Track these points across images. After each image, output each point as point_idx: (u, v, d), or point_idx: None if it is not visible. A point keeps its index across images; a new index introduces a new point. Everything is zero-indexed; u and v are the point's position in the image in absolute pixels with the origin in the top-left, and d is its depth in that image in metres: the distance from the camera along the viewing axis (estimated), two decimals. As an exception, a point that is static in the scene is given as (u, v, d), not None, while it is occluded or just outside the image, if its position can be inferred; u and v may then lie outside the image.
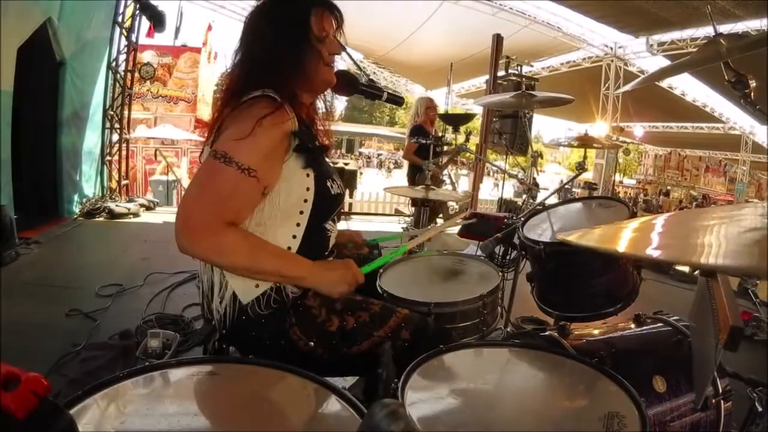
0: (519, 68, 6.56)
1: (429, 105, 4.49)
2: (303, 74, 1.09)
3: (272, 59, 1.05)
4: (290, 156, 1.04)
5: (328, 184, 1.11)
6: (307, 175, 1.07)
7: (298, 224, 1.07)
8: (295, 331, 1.05)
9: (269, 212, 1.04)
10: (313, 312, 1.07)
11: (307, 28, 1.08)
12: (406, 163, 5.01)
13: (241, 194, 0.97)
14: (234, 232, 0.97)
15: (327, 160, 1.20)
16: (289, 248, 1.07)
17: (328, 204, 1.12)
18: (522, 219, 1.87)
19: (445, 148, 4.00)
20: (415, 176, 4.50)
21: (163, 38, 9.69)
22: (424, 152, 4.25)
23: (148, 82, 10.49)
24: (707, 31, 8.08)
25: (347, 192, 8.45)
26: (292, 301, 1.06)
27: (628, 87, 1.74)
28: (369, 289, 1.34)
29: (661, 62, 9.12)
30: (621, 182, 19.72)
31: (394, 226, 5.77)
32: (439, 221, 6.27)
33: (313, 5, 1.09)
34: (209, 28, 12.25)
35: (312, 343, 1.05)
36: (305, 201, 1.07)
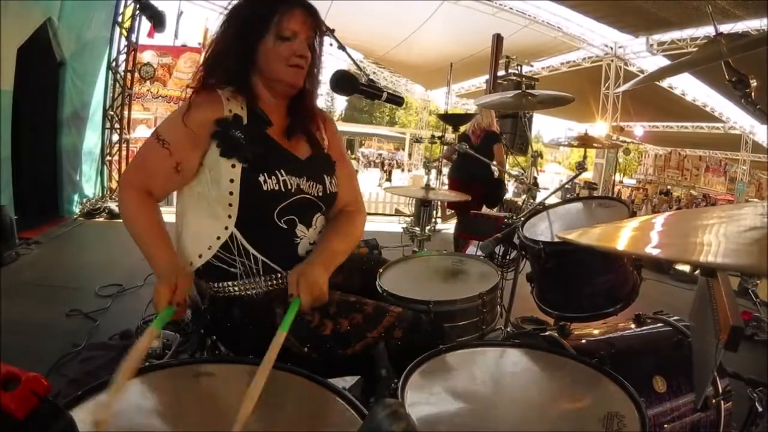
0: (519, 68, 6.57)
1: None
2: (261, 70, 1.12)
3: (228, 53, 1.11)
4: (212, 143, 1.07)
5: (261, 178, 1.06)
6: (233, 166, 1.06)
7: (229, 216, 1.08)
8: (289, 337, 1.04)
9: (203, 201, 1.09)
10: (306, 318, 1.06)
11: (267, 25, 1.08)
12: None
13: (152, 161, 1.10)
14: (134, 194, 1.10)
15: (295, 157, 1.15)
16: (219, 238, 1.09)
17: (259, 200, 1.07)
18: (522, 219, 1.87)
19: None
20: (499, 195, 4.35)
21: (163, 38, 9.69)
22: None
23: (148, 82, 10.46)
24: (707, 31, 8.08)
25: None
26: (282, 308, 1.05)
27: (627, 86, 1.74)
28: (368, 289, 1.34)
29: (661, 62, 9.11)
30: (621, 182, 19.72)
31: (394, 226, 5.76)
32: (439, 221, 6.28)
33: (280, 6, 1.08)
34: (206, 30, 12.22)
35: (306, 348, 1.05)
36: (231, 193, 1.06)
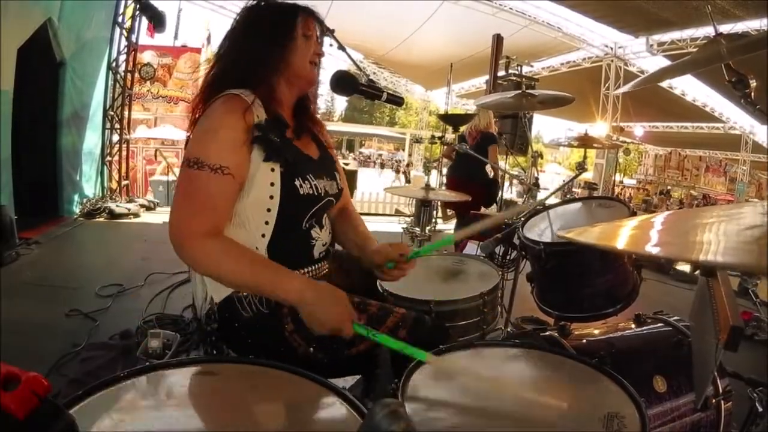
0: (519, 68, 6.57)
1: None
2: (287, 68, 1.12)
3: (261, 47, 1.09)
4: (254, 148, 1.04)
5: (297, 182, 1.08)
6: (272, 170, 1.06)
7: (266, 222, 1.07)
8: (295, 338, 1.05)
9: (239, 208, 1.06)
10: None
11: (294, 26, 1.11)
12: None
13: (219, 195, 0.99)
14: (209, 243, 0.97)
15: (311, 158, 1.17)
16: (257, 248, 1.07)
17: (296, 204, 1.09)
18: (522, 219, 1.87)
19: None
20: (492, 195, 4.45)
21: (163, 38, 9.70)
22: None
23: (148, 82, 10.46)
24: (707, 31, 8.08)
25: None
26: (290, 308, 1.05)
27: (627, 87, 1.74)
28: (369, 289, 1.34)
29: (661, 62, 9.12)
30: (621, 182, 19.72)
31: (394, 225, 5.77)
32: (441, 221, 6.28)
33: (300, 10, 1.13)
34: (208, 36, 12.23)
35: (312, 348, 1.05)
36: (271, 197, 1.06)
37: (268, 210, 1.06)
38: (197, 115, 1.11)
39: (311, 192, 1.11)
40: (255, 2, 1.14)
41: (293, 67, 1.12)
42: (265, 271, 0.99)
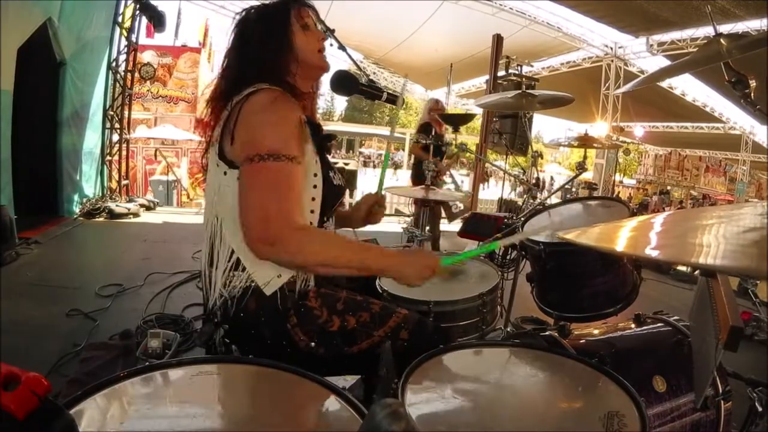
0: (519, 68, 6.56)
1: (432, 106, 4.56)
2: (299, 61, 1.13)
3: (266, 54, 1.10)
4: (307, 141, 1.06)
5: (331, 174, 1.14)
6: (316, 162, 1.09)
7: (312, 211, 1.09)
8: (297, 332, 1.05)
9: None
10: (314, 313, 1.07)
11: (288, 23, 1.12)
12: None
13: (297, 184, 1.00)
14: (310, 231, 1.02)
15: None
16: None
17: (331, 195, 1.13)
18: (522, 219, 1.87)
19: (445, 148, 4.05)
20: (418, 175, 4.58)
21: (163, 38, 9.71)
22: (431, 150, 4.43)
23: (148, 82, 10.47)
24: (707, 31, 8.08)
25: (347, 192, 8.45)
26: (293, 302, 1.06)
27: (627, 87, 1.74)
28: (368, 289, 1.35)
29: (661, 62, 9.12)
30: (621, 182, 19.71)
31: (394, 225, 5.77)
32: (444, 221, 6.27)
33: (291, 4, 1.14)
34: (206, 29, 12.23)
35: (313, 344, 1.05)
36: (315, 187, 1.09)
37: (313, 199, 1.09)
38: (212, 122, 1.09)
39: (340, 183, 1.18)
40: (244, 13, 1.15)
41: (304, 61, 1.14)
42: (360, 253, 1.00)
